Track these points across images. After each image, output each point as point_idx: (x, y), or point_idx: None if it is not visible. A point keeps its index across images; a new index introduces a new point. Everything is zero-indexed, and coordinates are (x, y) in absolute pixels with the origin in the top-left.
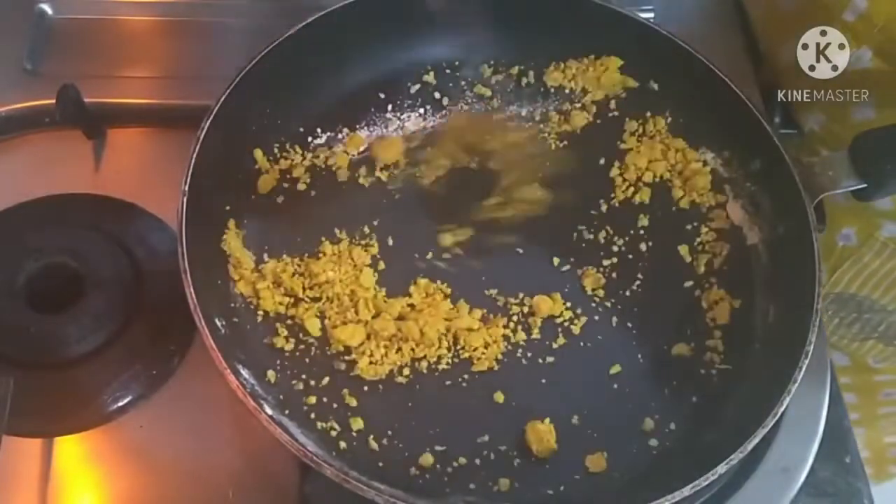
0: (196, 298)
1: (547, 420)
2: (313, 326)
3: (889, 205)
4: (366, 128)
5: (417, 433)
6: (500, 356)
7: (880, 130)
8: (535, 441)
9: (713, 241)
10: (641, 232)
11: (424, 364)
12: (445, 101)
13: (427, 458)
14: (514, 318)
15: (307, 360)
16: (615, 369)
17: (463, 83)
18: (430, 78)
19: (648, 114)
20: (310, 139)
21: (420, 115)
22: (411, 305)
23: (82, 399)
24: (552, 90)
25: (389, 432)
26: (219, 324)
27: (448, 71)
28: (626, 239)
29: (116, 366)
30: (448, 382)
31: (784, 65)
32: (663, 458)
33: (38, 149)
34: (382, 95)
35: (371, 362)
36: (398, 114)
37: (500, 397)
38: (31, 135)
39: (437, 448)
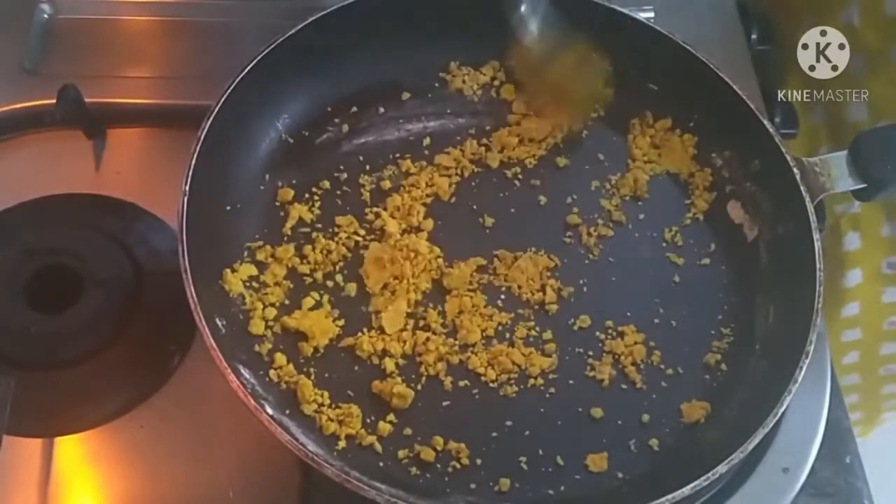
0: (196, 298)
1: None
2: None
3: None
4: (368, 129)
5: (420, 433)
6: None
7: (880, 130)
8: None
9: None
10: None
11: (426, 364)
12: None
13: (428, 454)
14: (519, 318)
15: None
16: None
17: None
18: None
19: (650, 114)
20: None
21: (420, 118)
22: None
23: (82, 399)
24: None
25: (391, 432)
26: (219, 323)
27: (443, 74)
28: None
29: (117, 365)
30: (451, 382)
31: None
32: (663, 457)
33: (38, 149)
34: (382, 97)
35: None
36: (399, 113)
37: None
38: (31, 135)
39: (439, 448)
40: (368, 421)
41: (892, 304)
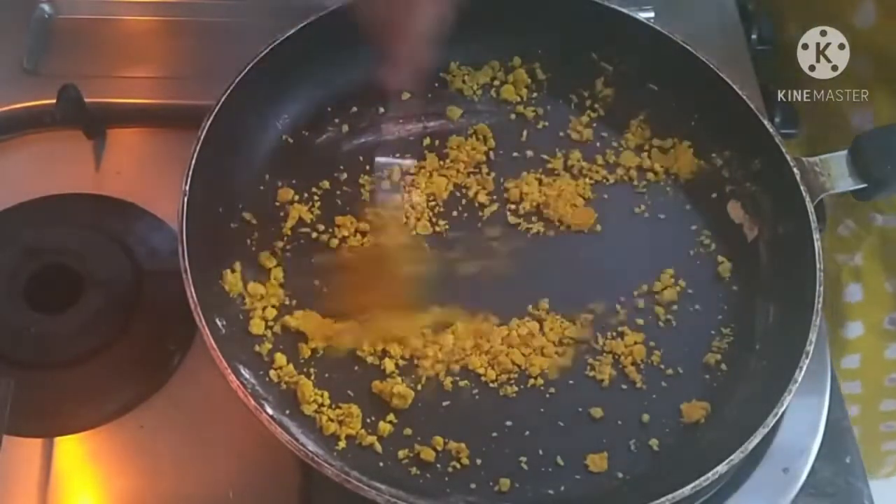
0: (196, 298)
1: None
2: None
3: None
4: (368, 129)
5: (420, 433)
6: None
7: (880, 130)
8: None
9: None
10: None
11: (426, 364)
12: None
13: (428, 454)
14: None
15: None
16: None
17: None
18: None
19: (649, 114)
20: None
21: (420, 118)
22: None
23: (82, 399)
24: None
25: (391, 432)
26: (219, 323)
27: (443, 74)
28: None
29: (117, 365)
30: (451, 382)
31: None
32: (663, 457)
33: (38, 149)
34: (382, 97)
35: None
36: (399, 113)
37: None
38: (31, 135)
39: (439, 448)
40: (368, 421)
41: (894, 361)
